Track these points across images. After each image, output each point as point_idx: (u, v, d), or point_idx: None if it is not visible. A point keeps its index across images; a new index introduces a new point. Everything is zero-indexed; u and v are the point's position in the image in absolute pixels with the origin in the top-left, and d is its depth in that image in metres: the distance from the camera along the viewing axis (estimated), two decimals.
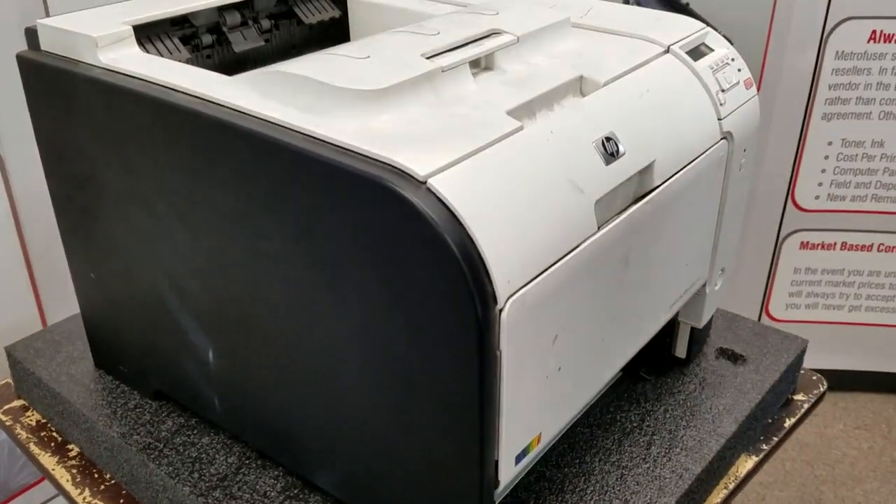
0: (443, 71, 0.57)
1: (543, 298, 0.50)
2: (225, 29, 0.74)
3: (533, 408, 0.53)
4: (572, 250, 0.52)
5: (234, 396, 0.67)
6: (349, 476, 0.61)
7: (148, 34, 0.68)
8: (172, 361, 0.70)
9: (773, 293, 1.83)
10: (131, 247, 0.67)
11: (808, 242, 1.80)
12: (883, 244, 1.79)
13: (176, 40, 0.70)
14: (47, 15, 1.01)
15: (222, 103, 0.55)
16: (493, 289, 0.46)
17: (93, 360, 0.79)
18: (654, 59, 0.66)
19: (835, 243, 1.79)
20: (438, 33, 0.62)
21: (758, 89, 1.61)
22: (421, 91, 0.55)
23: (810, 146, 1.70)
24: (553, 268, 0.50)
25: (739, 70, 0.71)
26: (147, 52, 0.67)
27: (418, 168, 0.47)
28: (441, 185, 0.47)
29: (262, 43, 0.76)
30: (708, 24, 0.72)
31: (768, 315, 1.85)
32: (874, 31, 1.59)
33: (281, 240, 0.55)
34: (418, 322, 0.49)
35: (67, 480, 0.72)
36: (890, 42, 1.61)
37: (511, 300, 0.47)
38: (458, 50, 0.60)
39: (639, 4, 1.61)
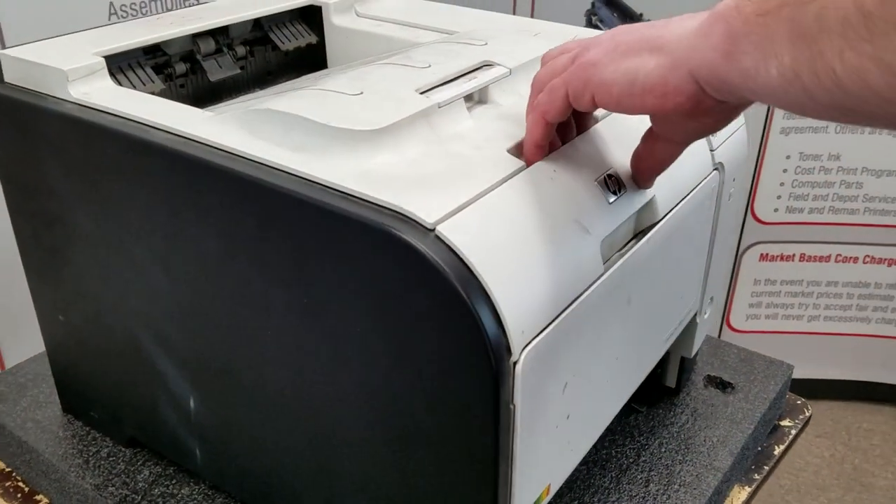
0: (439, 107, 0.55)
1: (555, 346, 0.48)
2: (199, 57, 0.70)
3: (543, 459, 0.51)
4: (582, 293, 0.50)
5: (218, 446, 0.64)
6: None
7: (119, 64, 0.64)
8: (149, 408, 0.66)
9: (734, 304, 1.85)
10: (105, 290, 0.63)
11: (767, 254, 1.82)
12: (840, 255, 1.82)
13: (149, 70, 0.67)
14: (2, 44, 0.97)
15: (208, 142, 0.52)
16: (507, 341, 0.44)
17: (60, 405, 0.75)
18: None
19: (793, 255, 1.81)
20: (430, 66, 0.60)
21: None
22: (418, 129, 0.53)
23: (769, 160, 1.73)
24: (564, 313, 0.48)
25: None
26: (119, 83, 0.63)
27: (425, 214, 0.45)
28: (450, 232, 0.45)
29: (238, 71, 0.73)
30: None
31: (729, 326, 1.87)
32: None
33: (272, 287, 0.52)
34: (427, 377, 0.47)
35: None
36: None
37: (525, 351, 0.45)
38: (452, 84, 0.58)
39: (601, 21, 1.62)
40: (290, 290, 0.51)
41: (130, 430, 0.70)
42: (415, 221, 0.44)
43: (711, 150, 0.66)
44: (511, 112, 0.59)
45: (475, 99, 0.60)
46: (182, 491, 0.67)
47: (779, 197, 1.78)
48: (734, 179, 0.70)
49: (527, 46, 0.65)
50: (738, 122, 0.70)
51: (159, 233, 0.57)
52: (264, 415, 0.58)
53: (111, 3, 1.08)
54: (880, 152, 1.71)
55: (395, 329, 0.47)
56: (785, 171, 1.75)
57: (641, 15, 1.61)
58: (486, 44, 0.65)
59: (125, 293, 0.62)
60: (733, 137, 0.69)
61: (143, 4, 1.10)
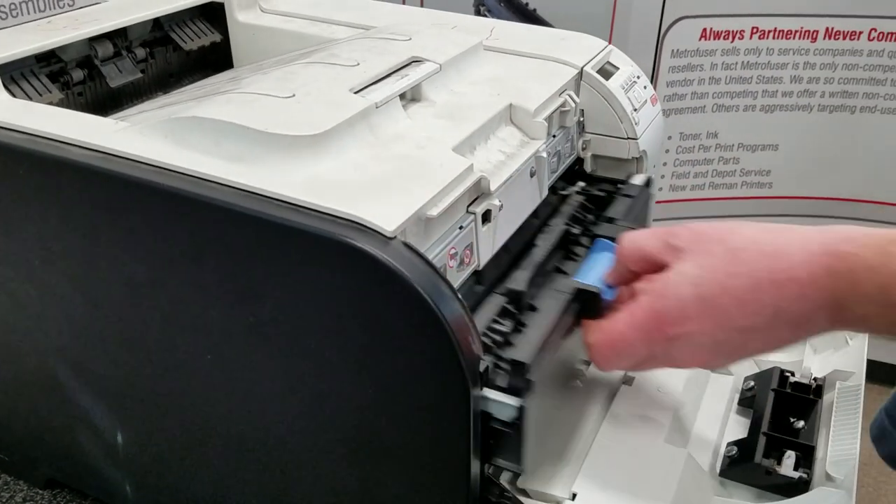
0: (377, 107, 0.52)
1: None
2: (97, 62, 0.65)
3: None
4: None
5: (152, 481, 0.59)
6: None
7: (11, 74, 0.58)
8: (70, 446, 0.61)
9: None
10: (15, 321, 0.57)
11: None
12: None
13: (44, 78, 0.61)
14: None
15: (129, 156, 0.48)
16: (478, 348, 0.43)
17: None
18: (571, 81, 0.65)
19: None
20: (358, 64, 0.57)
21: None
22: (358, 131, 0.51)
23: None
24: None
25: (645, 87, 0.71)
26: (13, 94, 0.57)
27: (384, 222, 0.43)
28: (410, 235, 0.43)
29: (139, 75, 0.68)
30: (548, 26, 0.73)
31: None
32: (704, 29, 1.68)
33: (211, 309, 0.48)
34: (395, 389, 0.45)
35: None
36: (719, 39, 1.71)
37: None
38: (385, 82, 0.56)
39: (489, 11, 1.62)
40: (232, 310, 0.48)
41: (48, 471, 0.64)
42: (373, 230, 0.42)
43: (635, 139, 0.67)
44: (446, 109, 0.57)
45: (408, 97, 0.58)
46: None
47: (662, 176, 1.84)
48: (654, 166, 0.72)
49: (452, 41, 0.64)
50: (656, 110, 0.72)
51: (77, 257, 0.52)
52: (206, 444, 0.54)
53: None
54: (754, 129, 1.80)
55: (358, 342, 0.44)
56: (667, 151, 1.81)
57: (527, 4, 1.63)
58: (410, 39, 0.63)
59: (39, 323, 0.56)
60: (653, 125, 0.70)
61: (13, 7, 1.01)
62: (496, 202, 0.53)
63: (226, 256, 0.46)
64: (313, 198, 0.44)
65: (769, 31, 1.69)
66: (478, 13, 1.62)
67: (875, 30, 1.69)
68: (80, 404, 0.58)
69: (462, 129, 0.54)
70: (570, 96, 0.64)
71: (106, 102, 0.67)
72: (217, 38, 0.74)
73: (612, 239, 0.55)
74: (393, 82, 0.55)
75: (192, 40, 0.72)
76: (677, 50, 1.67)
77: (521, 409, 0.44)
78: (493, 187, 0.52)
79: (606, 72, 0.69)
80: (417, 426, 0.45)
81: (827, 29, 1.69)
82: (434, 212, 0.46)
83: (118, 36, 0.67)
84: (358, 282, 0.43)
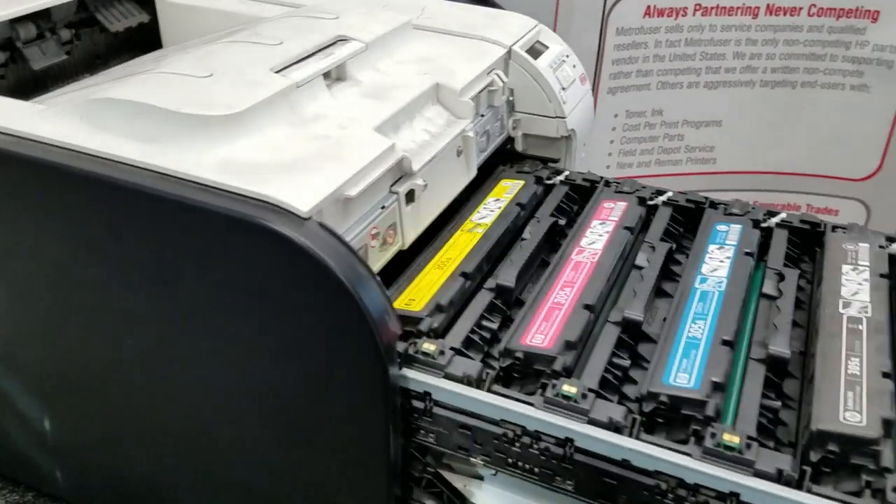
0: (298, 86, 0.52)
1: None
2: (19, 44, 0.63)
3: None
4: None
5: (81, 466, 0.59)
6: None
7: None
8: None
9: None
10: None
11: None
12: None
13: None
14: None
15: (44, 139, 0.47)
16: (395, 326, 0.43)
17: None
18: (500, 60, 0.65)
19: None
20: (282, 42, 0.57)
21: None
22: (277, 110, 0.51)
23: (599, 120, 1.79)
24: None
25: (574, 66, 0.72)
26: None
27: (299, 203, 0.43)
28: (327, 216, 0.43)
29: (64, 56, 0.67)
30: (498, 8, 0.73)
31: None
32: (648, 7, 1.69)
33: (131, 292, 0.48)
34: (314, 369, 0.45)
35: None
36: (663, 16, 1.72)
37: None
38: (309, 61, 0.55)
39: None
40: (151, 293, 0.48)
41: None
42: (288, 211, 0.42)
43: (563, 118, 0.68)
44: (371, 89, 0.57)
45: (333, 76, 0.58)
46: None
47: (609, 154, 1.86)
48: (584, 145, 0.73)
49: (379, 20, 0.63)
50: (585, 89, 0.72)
51: None
52: (133, 427, 0.54)
53: None
54: (698, 106, 1.82)
55: (276, 324, 0.45)
56: (613, 129, 1.83)
57: None
58: (337, 17, 0.63)
59: None
60: (581, 104, 0.71)
61: None
62: (420, 182, 0.53)
63: (142, 239, 0.46)
64: (227, 179, 0.44)
65: (712, 8, 1.71)
66: None
67: (815, 5, 1.71)
68: (5, 392, 0.57)
69: (386, 109, 0.54)
70: (498, 76, 0.64)
71: (29, 85, 0.65)
72: (145, 18, 0.73)
73: None
74: (316, 61, 0.55)
75: (119, 21, 0.71)
76: (622, 28, 1.68)
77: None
78: (416, 167, 0.52)
79: (536, 51, 0.69)
80: (338, 406, 0.46)
81: (768, 5, 1.71)
82: (353, 192, 0.46)
83: (41, 17, 0.65)
84: (273, 263, 0.43)
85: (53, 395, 0.56)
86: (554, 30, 1.72)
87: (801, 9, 1.72)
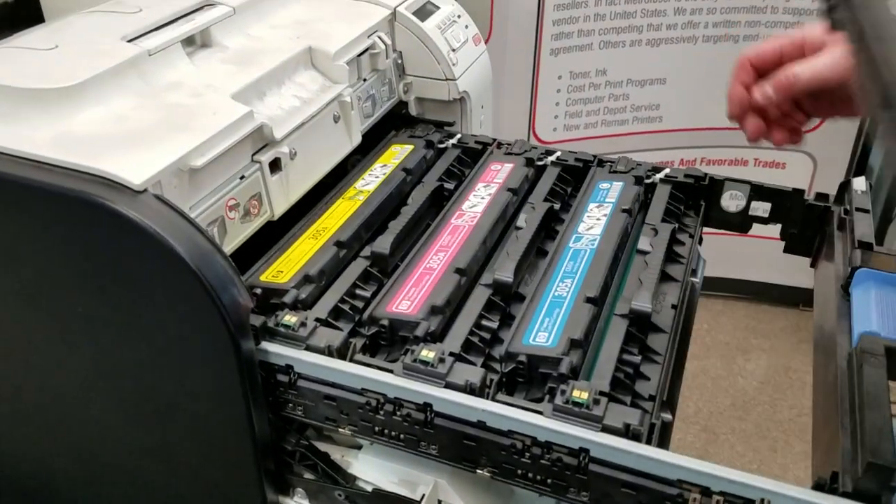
0: (150, 55, 0.50)
1: None
2: None
3: None
4: None
5: None
6: None
7: None
8: None
9: None
10: None
11: None
12: None
13: None
14: None
15: None
16: (245, 299, 0.42)
17: None
18: (383, 22, 0.64)
19: None
20: (140, 10, 0.55)
21: (489, 32, 1.65)
22: (126, 80, 0.49)
23: (543, 82, 1.78)
24: None
25: (467, 27, 0.70)
26: None
27: (131, 175, 0.41)
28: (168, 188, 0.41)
29: None
30: None
31: None
32: None
33: None
34: (165, 346, 0.44)
35: None
36: None
37: None
38: (167, 28, 0.53)
39: None
40: (3, 275, 0.46)
41: None
42: (120, 185, 0.41)
43: (454, 80, 0.66)
44: (237, 55, 0.55)
45: (197, 43, 0.56)
46: None
47: (556, 116, 1.85)
48: (482, 106, 0.71)
49: None
50: (479, 49, 0.71)
51: None
52: (21, 414, 0.53)
53: None
54: (641, 64, 1.81)
55: (122, 301, 0.43)
56: (558, 91, 1.81)
57: None
58: None
59: None
60: (475, 65, 0.69)
61: None
62: (285, 150, 0.51)
63: None
64: (60, 154, 0.42)
65: None
66: None
67: None
68: None
69: (248, 75, 0.52)
70: (380, 38, 0.62)
71: None
72: None
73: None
74: (174, 28, 0.53)
75: None
76: None
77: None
78: (279, 135, 0.51)
79: (426, 12, 0.68)
80: (196, 382, 0.45)
81: None
82: (198, 162, 0.45)
83: None
84: (110, 239, 0.41)
85: None
86: None
87: None
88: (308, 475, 0.49)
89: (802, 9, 1.72)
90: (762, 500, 0.38)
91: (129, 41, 0.50)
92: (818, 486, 0.38)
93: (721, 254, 1.97)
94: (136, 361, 0.45)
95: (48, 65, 0.47)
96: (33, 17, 0.72)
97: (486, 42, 1.71)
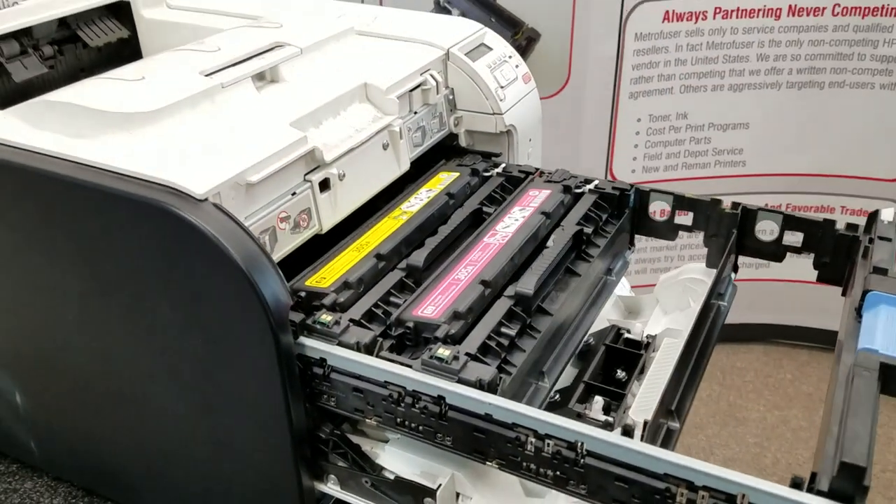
0: (223, 87, 0.58)
1: None
2: (2, 59, 0.71)
3: None
4: None
5: (51, 437, 0.65)
6: (178, 500, 0.61)
7: None
8: None
9: None
10: None
11: None
12: None
13: None
14: None
15: None
16: (286, 297, 0.48)
17: None
18: (436, 61, 0.70)
19: (654, 212, 1.91)
20: (219, 49, 0.63)
21: (568, 75, 1.71)
22: (199, 108, 0.56)
23: (621, 124, 1.81)
24: None
25: (517, 66, 0.75)
26: None
27: (195, 186, 0.48)
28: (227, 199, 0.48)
29: (46, 70, 0.74)
30: (515, 20, 0.77)
31: None
32: (667, 12, 1.71)
33: (67, 273, 0.54)
34: (217, 338, 0.50)
35: None
36: (682, 21, 1.74)
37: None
38: (241, 65, 0.61)
39: (448, 2, 1.66)
40: (83, 274, 0.53)
41: None
42: (185, 194, 0.48)
43: (500, 114, 0.71)
44: (301, 89, 0.62)
45: (267, 78, 0.63)
46: (25, 485, 0.68)
47: (634, 158, 1.87)
48: (530, 140, 0.76)
49: (320, 27, 0.69)
50: (529, 87, 0.76)
51: None
52: (87, 397, 0.60)
53: None
54: (723, 108, 1.82)
55: (183, 299, 0.50)
56: (637, 133, 1.84)
57: (495, 0, 1.66)
58: (281, 26, 0.69)
59: None
60: (523, 101, 0.74)
61: None
62: (334, 171, 0.58)
63: (70, 224, 0.52)
64: (136, 166, 0.49)
65: (732, 11, 1.71)
66: (437, 4, 1.67)
67: (839, 5, 1.70)
68: None
69: (307, 106, 0.59)
70: (431, 75, 0.69)
71: (15, 97, 0.73)
72: (125, 34, 0.80)
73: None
74: (247, 66, 0.61)
75: (100, 37, 0.78)
76: (640, 33, 1.70)
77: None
78: (329, 158, 0.57)
79: (479, 52, 0.73)
80: (241, 372, 0.51)
81: (790, 6, 1.71)
82: (254, 178, 0.51)
83: (24, 35, 0.73)
84: (173, 242, 0.48)
85: (19, 370, 0.62)
86: (571, 39, 1.75)
87: (824, 9, 1.71)
88: (341, 463, 0.54)
89: (891, 56, 1.70)
90: (742, 496, 0.41)
91: (207, 75, 0.58)
92: (795, 485, 0.41)
93: (809, 304, 1.93)
94: (191, 352, 0.51)
95: (133, 93, 0.55)
96: (134, 54, 0.82)
97: (565, 85, 1.77)
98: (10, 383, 0.63)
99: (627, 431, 0.44)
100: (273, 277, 0.48)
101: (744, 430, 1.77)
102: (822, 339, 1.96)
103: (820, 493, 0.40)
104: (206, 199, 0.48)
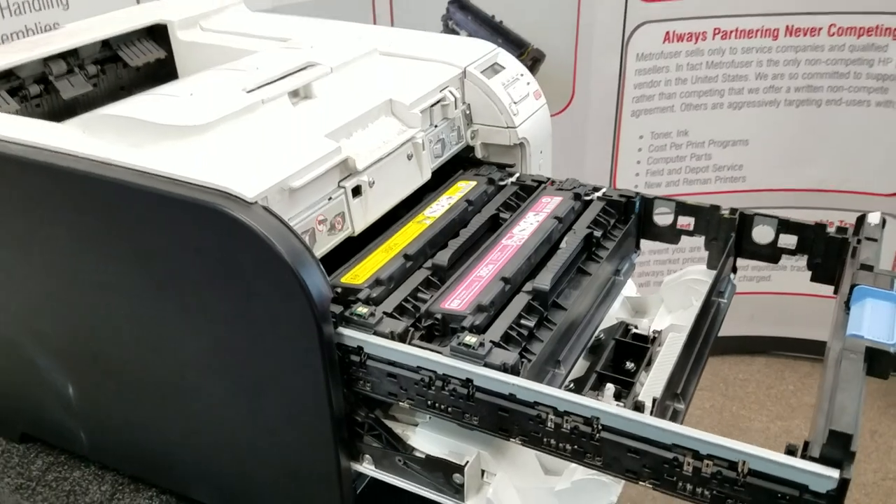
0: (263, 103, 0.63)
1: None
2: (51, 78, 0.77)
3: None
4: None
5: (100, 427, 0.70)
6: (221, 484, 0.66)
7: None
8: (35, 403, 0.72)
9: None
10: None
11: None
12: None
13: (3, 93, 0.73)
14: None
15: (52, 148, 0.59)
16: (327, 290, 0.53)
17: None
18: (455, 79, 0.75)
19: None
20: (258, 69, 0.68)
21: (572, 95, 1.76)
22: (243, 122, 0.62)
23: (624, 141, 1.87)
24: None
25: (528, 84, 0.81)
26: None
27: (246, 190, 0.53)
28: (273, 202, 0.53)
29: (91, 88, 0.80)
30: (521, 41, 0.82)
31: None
32: (668, 33, 1.77)
33: (124, 271, 0.59)
34: (264, 330, 0.55)
35: None
36: (682, 41, 1.80)
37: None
38: (278, 83, 0.67)
39: (456, 24, 1.73)
40: (138, 273, 0.58)
41: (21, 427, 0.76)
42: (237, 197, 0.53)
43: (513, 128, 0.77)
44: (332, 104, 0.68)
45: (300, 95, 0.69)
46: (74, 474, 0.73)
47: (637, 174, 1.93)
48: (541, 152, 0.81)
49: (347, 48, 0.74)
50: (539, 103, 0.81)
51: (22, 237, 0.63)
52: (136, 390, 0.65)
53: None
54: (723, 125, 1.88)
55: (231, 291, 0.55)
56: (640, 150, 1.90)
57: (494, 16, 1.73)
58: (311, 48, 0.74)
59: (4, 301, 0.67)
60: (535, 116, 0.80)
61: (5, 37, 1.14)
62: (366, 178, 0.63)
63: (128, 226, 0.57)
64: (191, 173, 0.54)
65: (731, 32, 1.77)
66: (446, 27, 1.73)
67: (834, 25, 1.76)
68: (38, 365, 0.69)
69: (339, 119, 0.64)
70: (450, 92, 0.74)
71: (62, 112, 0.78)
72: (161, 54, 0.86)
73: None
74: (283, 84, 0.66)
75: (139, 57, 0.84)
76: (642, 53, 1.76)
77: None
78: (360, 166, 0.62)
79: (493, 70, 0.79)
80: (286, 360, 0.56)
81: (788, 27, 1.77)
82: (296, 183, 0.56)
83: (70, 55, 0.78)
84: (225, 240, 0.53)
85: (73, 364, 0.67)
86: (574, 58, 1.81)
87: (821, 29, 1.77)
88: (375, 444, 0.59)
89: (886, 75, 1.76)
90: (743, 462, 0.46)
91: (248, 92, 0.64)
92: (789, 452, 0.45)
93: (810, 317, 1.98)
94: (239, 343, 0.56)
95: (185, 107, 0.60)
96: (169, 73, 0.88)
97: (570, 104, 1.82)
98: (65, 377, 0.68)
99: (638, 407, 0.48)
100: (316, 272, 0.53)
101: (747, 440, 1.80)
102: (824, 351, 2.01)
103: (812, 459, 0.45)
104: (255, 202, 0.53)
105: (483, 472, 0.57)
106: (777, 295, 1.99)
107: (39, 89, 0.76)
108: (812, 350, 2.04)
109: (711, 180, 1.94)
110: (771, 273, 1.96)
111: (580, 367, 0.64)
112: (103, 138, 0.59)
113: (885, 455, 1.78)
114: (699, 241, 0.72)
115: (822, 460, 0.44)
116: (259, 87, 0.65)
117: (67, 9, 1.25)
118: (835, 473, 0.43)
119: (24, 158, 0.59)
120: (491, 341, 0.53)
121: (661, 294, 0.73)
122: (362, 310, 0.56)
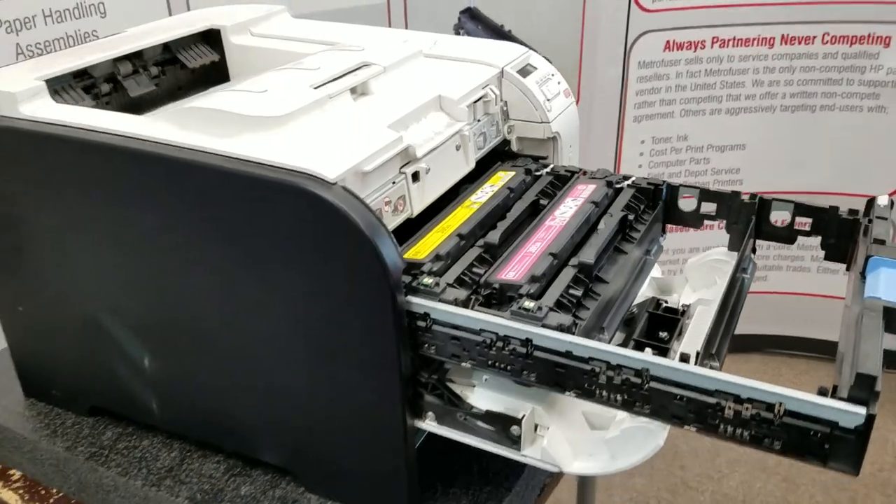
0: (330, 98, 0.70)
1: None
2: (120, 77, 0.83)
3: None
4: None
5: (172, 396, 0.76)
6: (289, 444, 0.72)
7: (55, 87, 0.76)
8: (108, 375, 0.77)
9: None
10: (62, 278, 0.74)
11: None
12: None
13: (80, 90, 0.79)
14: None
15: (146, 138, 0.65)
16: (399, 262, 0.59)
17: (22, 391, 0.85)
18: (493, 78, 0.82)
19: None
20: (319, 68, 0.75)
21: (577, 100, 1.84)
22: (314, 115, 0.68)
23: (626, 145, 1.94)
24: None
25: (559, 83, 0.88)
26: (57, 102, 0.75)
27: (328, 171, 0.59)
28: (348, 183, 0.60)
29: (153, 87, 0.86)
30: (528, 47, 0.89)
31: None
32: (668, 42, 1.84)
33: (211, 249, 0.65)
34: (341, 299, 0.61)
35: (16, 501, 0.78)
36: (682, 50, 1.87)
37: None
38: (339, 80, 0.73)
39: (467, 33, 1.80)
40: (227, 248, 0.65)
41: (92, 400, 0.81)
42: (320, 178, 0.59)
43: (548, 123, 0.83)
44: (387, 99, 0.74)
45: (358, 92, 0.75)
46: (143, 443, 0.79)
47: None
48: (570, 146, 0.88)
49: (396, 50, 0.81)
50: (569, 101, 0.88)
51: (110, 219, 0.69)
52: (211, 358, 0.71)
53: (17, 44, 1.18)
54: (721, 131, 1.95)
55: (313, 265, 0.61)
56: (641, 154, 1.97)
57: (503, 26, 1.80)
58: (363, 49, 0.81)
59: (82, 278, 0.73)
60: (565, 112, 0.86)
61: (47, 44, 1.20)
62: (423, 165, 0.69)
63: (217, 208, 0.63)
64: (277, 157, 0.61)
65: (729, 40, 1.85)
66: (457, 34, 1.80)
67: (828, 34, 1.84)
68: (115, 339, 0.75)
69: (397, 113, 0.71)
70: (491, 89, 0.81)
71: (128, 109, 0.84)
72: (216, 57, 0.92)
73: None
74: (344, 81, 0.73)
75: (195, 60, 0.90)
76: (644, 61, 1.84)
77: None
78: (419, 154, 0.69)
79: (526, 71, 0.86)
80: (362, 326, 0.62)
81: (783, 35, 1.85)
82: (368, 167, 0.63)
83: (135, 57, 0.85)
84: (308, 217, 0.59)
85: (151, 336, 0.73)
86: (579, 65, 1.88)
87: (814, 37, 1.85)
88: (437, 402, 0.65)
89: (877, 81, 1.83)
90: (779, 404, 0.52)
91: (315, 88, 0.70)
92: (821, 394, 0.52)
93: (806, 315, 2.05)
94: (319, 311, 0.62)
95: (263, 101, 0.67)
96: (222, 75, 0.94)
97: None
98: (141, 349, 0.74)
99: (685, 358, 0.55)
100: (390, 245, 0.59)
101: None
102: (820, 349, 2.07)
103: (841, 399, 0.51)
104: (335, 183, 0.59)
105: (536, 426, 0.63)
106: (774, 294, 2.06)
107: (109, 87, 0.82)
108: (808, 348, 2.11)
109: (710, 183, 2.01)
110: (767, 273, 2.03)
111: (617, 339, 0.71)
112: (191, 129, 0.65)
113: (881, 448, 1.85)
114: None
115: (850, 400, 0.51)
116: (323, 84, 0.71)
117: (105, 16, 1.32)
118: (862, 410, 0.50)
119: (121, 147, 0.65)
120: (546, 306, 0.60)
121: (686, 274, 0.80)
122: (428, 280, 0.62)
